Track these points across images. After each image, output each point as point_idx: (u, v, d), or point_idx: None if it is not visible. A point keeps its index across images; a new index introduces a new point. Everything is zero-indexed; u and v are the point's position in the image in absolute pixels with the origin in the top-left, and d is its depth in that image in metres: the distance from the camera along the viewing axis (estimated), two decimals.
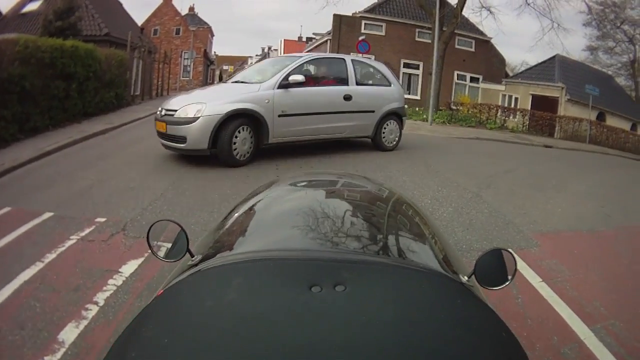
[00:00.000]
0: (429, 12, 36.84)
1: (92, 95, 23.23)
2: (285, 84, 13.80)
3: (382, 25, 44.73)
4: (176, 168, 13.17)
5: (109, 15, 34.66)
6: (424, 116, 32.69)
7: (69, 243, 7.88)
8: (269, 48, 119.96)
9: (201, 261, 2.53)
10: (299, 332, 1.82)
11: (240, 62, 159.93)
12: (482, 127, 31.69)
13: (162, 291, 2.29)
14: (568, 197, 12.93)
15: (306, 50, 64.26)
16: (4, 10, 36.94)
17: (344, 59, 16.12)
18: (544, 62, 43.69)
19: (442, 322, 1.98)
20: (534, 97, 40.14)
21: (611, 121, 39.53)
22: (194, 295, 2.15)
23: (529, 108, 38.15)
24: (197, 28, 77.52)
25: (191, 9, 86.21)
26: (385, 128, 16.90)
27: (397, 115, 17.30)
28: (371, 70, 17.41)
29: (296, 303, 1.98)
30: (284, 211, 3.40)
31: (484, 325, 2.07)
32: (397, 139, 17.51)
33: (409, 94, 42.60)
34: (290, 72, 14.06)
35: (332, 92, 15.17)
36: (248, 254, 2.47)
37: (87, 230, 8.42)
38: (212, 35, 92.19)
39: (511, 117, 34.99)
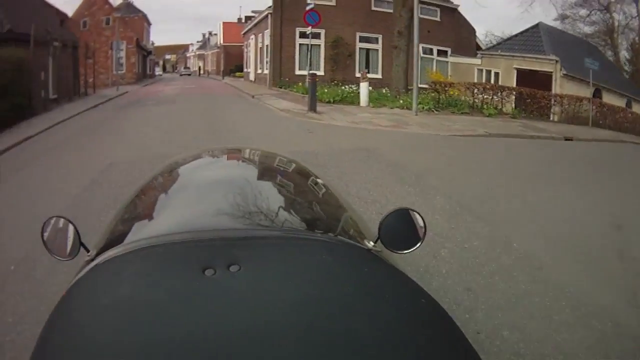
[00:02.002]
0: None
1: None
2: None
3: None
4: None
5: (16, 9, 27.29)
6: (401, 102, 26.10)
7: None
8: (210, 33, 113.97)
9: (97, 255, 2.25)
10: (193, 319, 1.62)
11: (182, 50, 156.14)
12: (478, 114, 24.98)
13: (65, 293, 2.02)
14: None
15: (245, 30, 57.77)
16: None
17: None
18: (526, 31, 36.70)
19: (348, 293, 1.82)
20: (520, 72, 33.37)
21: (607, 98, 33.27)
22: (91, 294, 1.92)
23: (514, 85, 31.48)
24: (130, 17, 71.27)
25: None
26: None
27: None
28: None
29: (189, 288, 1.79)
30: (174, 193, 3.17)
31: (398, 292, 1.92)
32: None
33: (368, 72, 35.40)
34: None
35: None
36: (139, 242, 2.16)
37: None
38: (149, 24, 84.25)
39: (493, 97, 27.94)
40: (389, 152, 14.01)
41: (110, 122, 22.07)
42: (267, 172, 3.65)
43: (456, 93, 27.37)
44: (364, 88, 25.70)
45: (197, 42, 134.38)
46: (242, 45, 66.30)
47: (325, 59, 37.54)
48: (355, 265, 2.02)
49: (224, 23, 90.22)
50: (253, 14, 56.71)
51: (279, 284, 1.81)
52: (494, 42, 45.57)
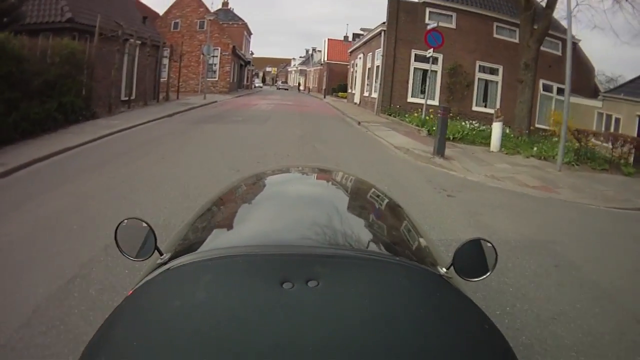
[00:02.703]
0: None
1: (3, 111, 14.31)
2: None
3: (451, 15, 32.19)
4: None
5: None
6: (535, 149, 20.53)
7: None
8: (314, 49, 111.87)
9: (170, 259, 2.30)
10: (270, 331, 1.68)
11: (284, 64, 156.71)
12: (615, 170, 19.24)
13: (131, 291, 2.10)
14: None
15: (353, 48, 53.13)
16: None
17: None
18: None
19: (420, 315, 1.88)
20: None
21: None
22: (162, 295, 1.99)
23: (635, 133, 26.05)
24: (229, 23, 69.47)
25: (225, 3, 77.39)
26: None
27: None
28: None
29: (267, 300, 1.84)
30: (255, 205, 3.25)
31: (464, 317, 1.98)
32: None
33: (485, 107, 31.48)
34: None
35: None
36: (217, 251, 2.24)
37: None
38: (250, 33, 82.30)
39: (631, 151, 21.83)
40: (574, 253, 8.54)
41: (174, 140, 17.39)
42: (348, 194, 3.65)
43: (590, 143, 21.71)
44: (497, 129, 19.92)
45: (300, 57, 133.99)
46: (347, 65, 62.62)
47: (441, 87, 32.20)
48: (427, 290, 2.06)
49: (329, 40, 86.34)
50: (362, 32, 51.36)
51: (355, 302, 1.83)
52: (604, 83, 39.43)
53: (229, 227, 2.84)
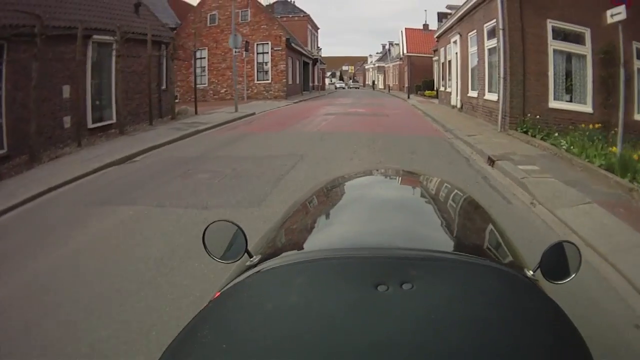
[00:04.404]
0: None
1: None
2: None
3: None
4: None
5: None
6: None
7: None
8: (390, 43, 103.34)
9: (260, 262, 2.36)
10: (365, 333, 1.67)
11: (361, 62, 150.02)
12: None
13: (219, 293, 2.19)
14: None
15: (441, 32, 39.29)
16: None
17: None
18: None
19: (509, 318, 1.87)
20: None
21: None
22: (253, 297, 2.04)
23: None
24: (288, 17, 61.72)
25: None
26: None
27: None
28: None
29: (362, 303, 1.85)
30: (346, 208, 3.30)
31: (550, 320, 1.94)
32: None
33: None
34: None
35: None
36: (310, 254, 2.33)
37: None
38: (316, 28, 74.28)
39: None
40: None
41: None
42: (438, 197, 3.63)
43: None
44: None
45: (377, 53, 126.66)
46: (430, 57, 52.37)
47: (594, 82, 18.23)
48: (515, 292, 2.05)
49: (406, 29, 74.62)
50: (448, 10, 38.03)
51: (447, 305, 1.83)
52: None
53: (318, 230, 2.83)
